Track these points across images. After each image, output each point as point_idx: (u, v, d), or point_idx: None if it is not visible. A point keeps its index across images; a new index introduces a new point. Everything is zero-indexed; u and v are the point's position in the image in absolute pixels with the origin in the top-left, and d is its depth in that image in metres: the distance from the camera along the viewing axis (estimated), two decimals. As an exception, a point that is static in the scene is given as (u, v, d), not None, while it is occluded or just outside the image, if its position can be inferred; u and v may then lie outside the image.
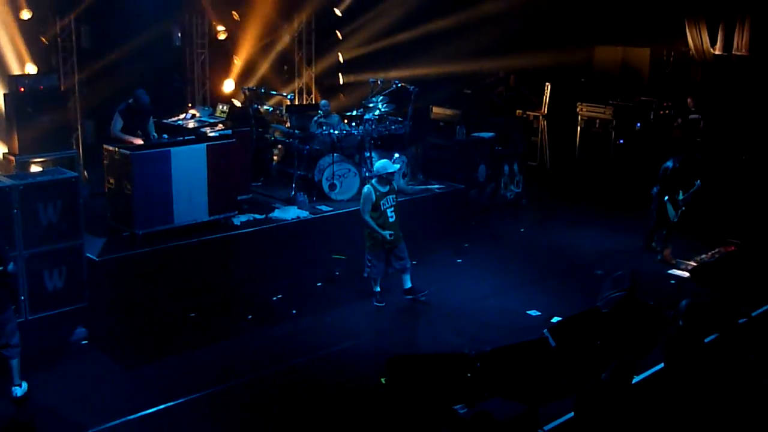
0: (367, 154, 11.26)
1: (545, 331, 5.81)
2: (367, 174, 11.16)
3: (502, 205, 12.77)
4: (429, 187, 9.27)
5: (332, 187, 10.87)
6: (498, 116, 14.13)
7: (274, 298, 9.02)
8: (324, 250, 10.17)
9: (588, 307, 6.36)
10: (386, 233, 8.47)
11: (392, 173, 8.69)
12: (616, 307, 6.08)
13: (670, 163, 10.25)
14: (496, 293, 9.34)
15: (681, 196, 10.20)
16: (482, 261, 10.50)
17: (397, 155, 11.54)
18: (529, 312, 8.73)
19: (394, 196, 8.73)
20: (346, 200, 10.87)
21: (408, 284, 8.97)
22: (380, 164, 8.74)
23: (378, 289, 8.93)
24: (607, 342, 5.83)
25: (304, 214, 10.29)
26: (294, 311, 8.71)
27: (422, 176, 11.51)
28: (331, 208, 10.59)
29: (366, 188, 8.69)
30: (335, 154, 10.98)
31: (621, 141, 14.32)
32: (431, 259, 10.06)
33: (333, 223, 10.39)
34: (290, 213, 10.22)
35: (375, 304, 8.88)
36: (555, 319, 8.14)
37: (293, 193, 10.85)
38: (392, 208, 8.67)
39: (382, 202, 8.59)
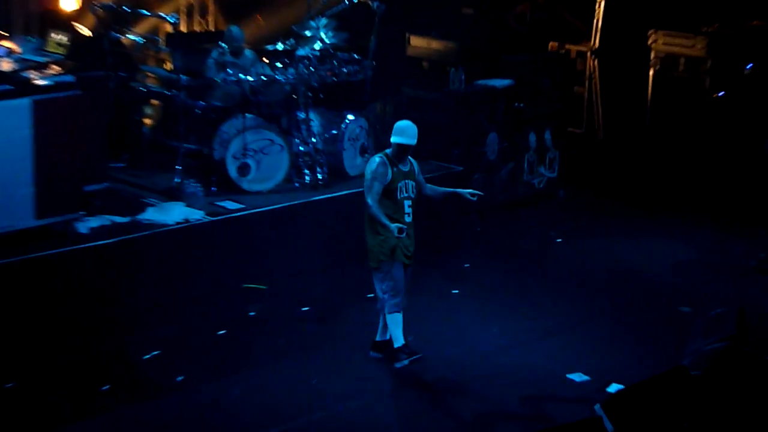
0: (302, 115, 11.25)
1: (597, 406, 5.88)
2: (301, 149, 11.13)
3: (525, 199, 12.86)
4: (459, 191, 9.25)
5: (243, 169, 10.87)
6: (519, 53, 14.20)
7: (147, 356, 8.99)
8: (230, 276, 10.19)
9: (667, 366, 6.38)
10: (394, 227, 8.47)
11: (412, 143, 8.64)
12: (713, 365, 6.12)
13: None
14: (516, 344, 9.40)
15: None
16: (493, 291, 10.58)
17: (351, 117, 11.52)
18: (570, 376, 8.76)
19: (414, 184, 8.80)
20: (266, 192, 10.91)
21: (386, 334, 8.92)
22: (402, 125, 8.72)
23: (400, 335, 8.71)
24: (700, 422, 5.86)
25: (196, 215, 10.28)
26: (180, 377, 8.68)
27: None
28: (242, 206, 10.61)
29: (376, 158, 8.72)
30: (248, 115, 10.98)
31: (721, 93, 14.44)
32: (412, 289, 10.04)
33: (245, 229, 10.43)
34: (173, 214, 10.22)
35: (400, 363, 8.68)
36: (613, 388, 8.23)
37: (179, 179, 10.85)
38: (410, 203, 8.75)
39: (399, 185, 8.65)
